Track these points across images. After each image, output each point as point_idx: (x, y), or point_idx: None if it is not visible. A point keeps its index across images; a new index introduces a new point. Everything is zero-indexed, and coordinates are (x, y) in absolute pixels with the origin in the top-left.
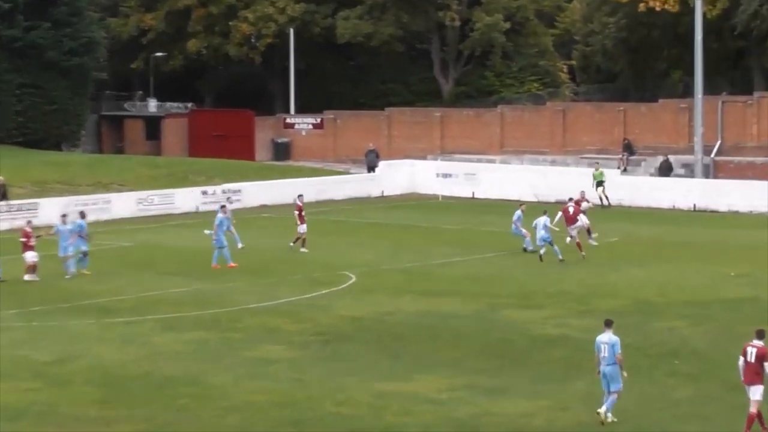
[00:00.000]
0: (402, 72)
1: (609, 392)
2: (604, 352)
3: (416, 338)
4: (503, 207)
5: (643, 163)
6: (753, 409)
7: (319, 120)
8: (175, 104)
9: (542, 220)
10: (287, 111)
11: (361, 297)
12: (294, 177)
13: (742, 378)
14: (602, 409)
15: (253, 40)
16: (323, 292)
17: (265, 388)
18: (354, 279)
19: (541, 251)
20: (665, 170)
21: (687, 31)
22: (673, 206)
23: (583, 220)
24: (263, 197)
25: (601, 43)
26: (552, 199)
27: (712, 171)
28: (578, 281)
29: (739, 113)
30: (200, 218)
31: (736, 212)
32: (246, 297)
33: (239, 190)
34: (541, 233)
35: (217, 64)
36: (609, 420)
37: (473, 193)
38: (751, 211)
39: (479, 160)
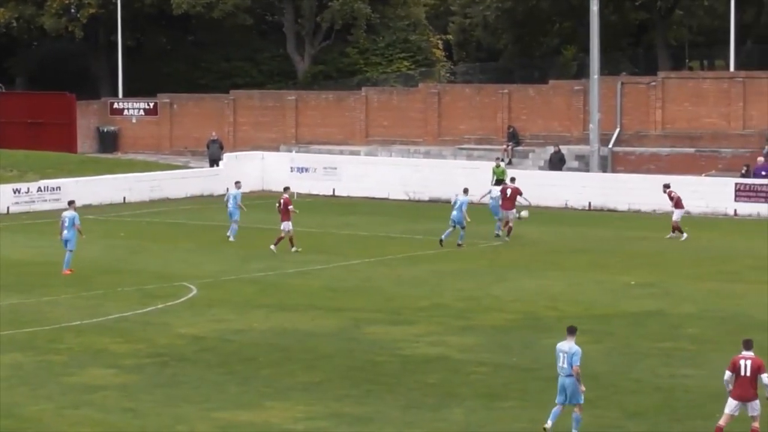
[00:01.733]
0: (250, 49)
1: (563, 405)
2: (563, 362)
3: (268, 360)
4: (368, 206)
5: (531, 155)
6: (755, 424)
7: (151, 105)
8: None
9: (462, 198)
10: (115, 94)
11: (204, 312)
12: (123, 172)
13: (731, 393)
14: (548, 425)
15: (73, 11)
16: (159, 306)
17: (91, 419)
18: (195, 291)
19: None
20: (557, 163)
21: (581, 2)
22: (566, 204)
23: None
24: (87, 196)
25: (482, 15)
26: (426, 197)
27: (611, 164)
28: (456, 293)
29: (641, 96)
30: (11, 221)
31: (638, 211)
32: (68, 313)
33: (58, 188)
34: (453, 213)
35: (30, 38)
36: None
37: (333, 190)
38: (654, 210)
39: (340, 152)
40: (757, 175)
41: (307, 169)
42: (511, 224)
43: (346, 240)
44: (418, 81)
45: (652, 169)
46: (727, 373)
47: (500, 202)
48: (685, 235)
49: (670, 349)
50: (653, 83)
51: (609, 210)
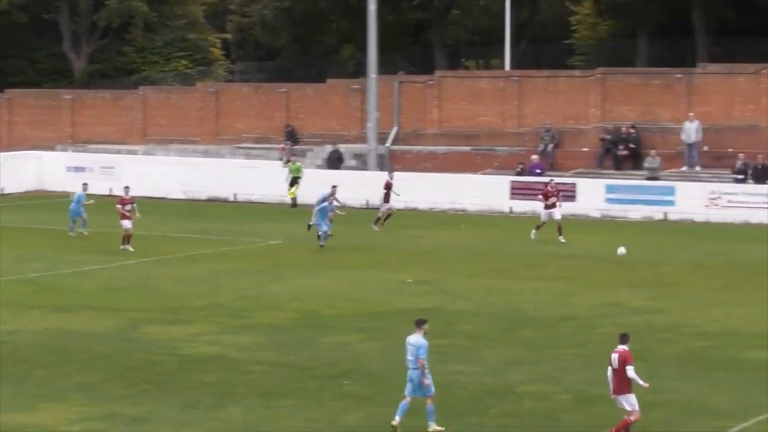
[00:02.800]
0: (25, 47)
1: (411, 398)
2: (409, 355)
3: (43, 361)
4: (146, 206)
5: (309, 153)
6: (630, 417)
7: None
8: None
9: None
10: None
11: None
12: None
13: (611, 390)
14: (395, 421)
15: None
16: None
17: None
18: None
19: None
20: (335, 161)
21: (359, 2)
22: (345, 203)
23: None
24: None
25: (260, 14)
26: (204, 197)
27: (388, 162)
28: (234, 292)
29: (418, 95)
30: None
31: (415, 209)
32: None
33: None
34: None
35: None
36: (434, 429)
37: (111, 190)
38: (431, 209)
39: (118, 151)
40: (531, 174)
41: (84, 169)
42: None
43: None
44: (196, 80)
45: (429, 167)
46: (609, 369)
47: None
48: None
49: (446, 346)
50: (430, 82)
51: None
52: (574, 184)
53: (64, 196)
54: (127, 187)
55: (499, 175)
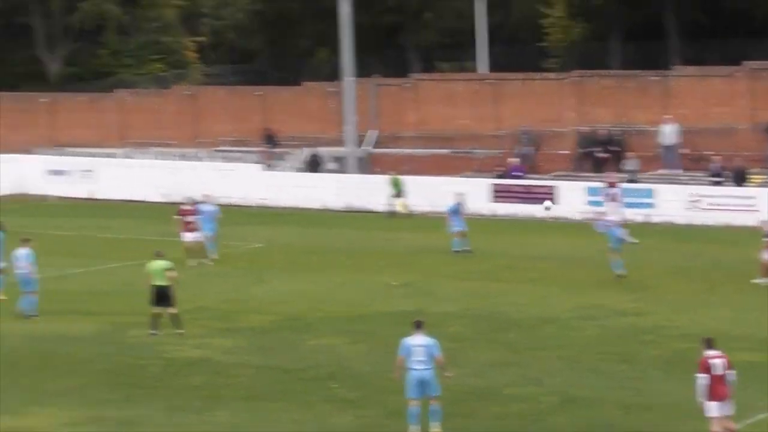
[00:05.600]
0: None
1: (416, 399)
2: (420, 356)
3: (27, 366)
4: (127, 209)
5: (287, 157)
6: (732, 424)
7: None
8: None
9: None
10: None
11: None
12: None
13: (711, 396)
14: (413, 427)
15: None
16: None
17: None
18: None
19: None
20: (313, 165)
21: (332, 4)
22: (324, 206)
23: None
24: None
25: (234, 17)
26: (182, 199)
27: (368, 165)
28: (217, 296)
29: (395, 98)
30: None
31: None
32: None
33: None
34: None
35: None
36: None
37: (91, 193)
38: (411, 212)
39: (97, 155)
40: (512, 176)
41: (63, 172)
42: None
43: (105, 243)
44: (171, 83)
45: (408, 170)
46: (702, 377)
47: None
48: None
49: None
50: (406, 85)
51: (367, 211)
52: (553, 186)
53: (42, 200)
54: (188, 198)
55: (480, 178)
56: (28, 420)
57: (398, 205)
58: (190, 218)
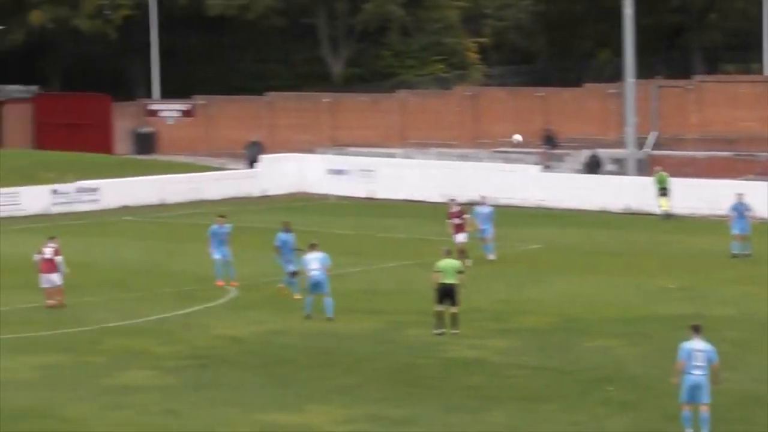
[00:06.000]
0: (284, 51)
1: (688, 404)
2: (698, 361)
3: (308, 362)
4: (406, 209)
5: (566, 158)
6: None
7: (188, 107)
8: (17, 87)
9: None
10: (149, 96)
11: (243, 314)
12: (161, 173)
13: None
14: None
15: (106, 12)
16: (198, 308)
17: (131, 420)
18: (233, 293)
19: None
20: (593, 166)
21: (615, 5)
22: (603, 208)
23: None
24: (125, 197)
25: (516, 18)
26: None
27: (647, 167)
28: (494, 296)
29: (677, 100)
30: (51, 221)
31: (674, 215)
32: (106, 314)
33: (96, 189)
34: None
35: (64, 40)
36: None
37: (371, 193)
38: (692, 214)
39: (377, 154)
40: None
41: (344, 172)
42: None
43: (383, 242)
44: (452, 84)
45: (689, 172)
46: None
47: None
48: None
49: None
50: (689, 86)
51: (646, 214)
52: None
53: (323, 199)
54: (452, 200)
55: (762, 181)
56: (305, 416)
57: (661, 203)
58: (457, 220)
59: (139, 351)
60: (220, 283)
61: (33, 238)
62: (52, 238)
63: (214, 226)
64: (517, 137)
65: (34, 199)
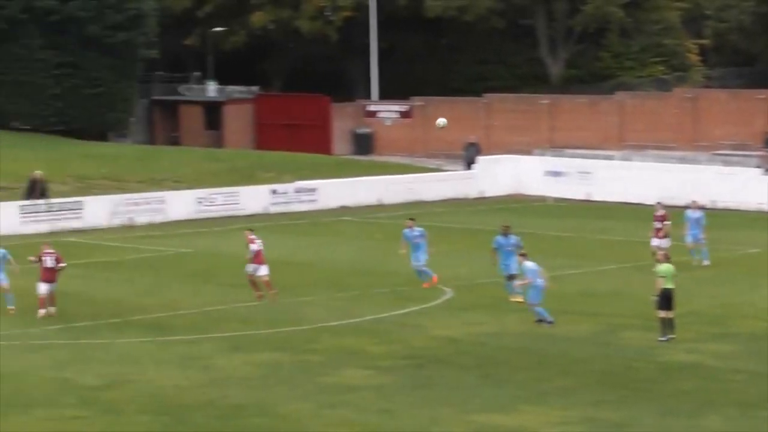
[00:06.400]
0: (502, 52)
1: None
2: None
3: (522, 364)
4: (624, 211)
5: None
6: None
7: (406, 108)
8: (238, 88)
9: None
10: (368, 97)
11: (458, 315)
12: (378, 174)
13: None
14: None
15: (327, 14)
16: (413, 309)
17: (347, 419)
18: (449, 294)
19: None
20: None
21: None
22: None
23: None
24: (342, 197)
25: (737, 19)
26: (681, 202)
27: None
28: (711, 300)
29: None
30: (269, 221)
31: None
32: (323, 314)
33: (314, 189)
34: None
35: (286, 41)
36: None
37: (588, 195)
38: None
39: (595, 156)
40: None
41: (561, 173)
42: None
43: (602, 245)
44: (672, 85)
45: None
46: None
47: None
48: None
49: None
50: None
51: None
52: None
53: (540, 201)
54: (659, 203)
55: None
56: (520, 417)
57: None
58: (659, 224)
59: (355, 350)
60: (426, 285)
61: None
62: (250, 231)
63: (406, 230)
64: (441, 121)
65: (253, 198)
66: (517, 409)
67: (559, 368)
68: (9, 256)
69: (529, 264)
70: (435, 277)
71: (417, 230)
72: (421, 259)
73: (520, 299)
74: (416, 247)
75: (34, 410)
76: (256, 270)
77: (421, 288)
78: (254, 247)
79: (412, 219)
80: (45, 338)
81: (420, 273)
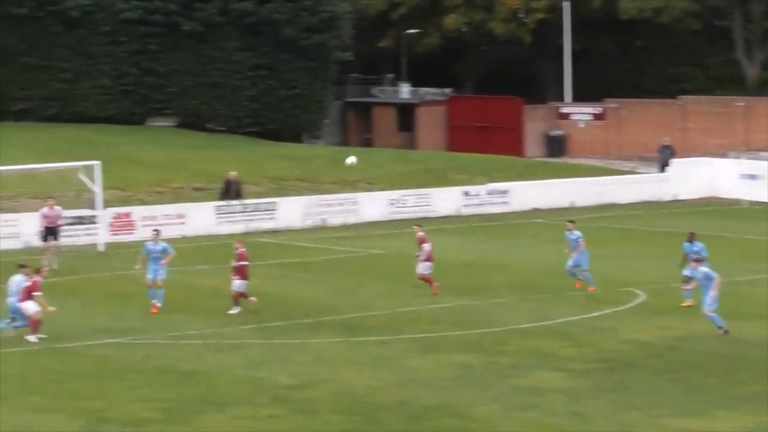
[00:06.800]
0: (697, 54)
1: None
2: None
3: (714, 368)
4: None
5: None
6: None
7: (600, 110)
8: (431, 90)
9: None
10: (561, 99)
11: (651, 319)
12: (570, 176)
13: None
14: None
15: (521, 16)
16: (606, 311)
17: (538, 421)
18: (642, 297)
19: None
20: None
21: None
22: None
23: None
24: (534, 199)
25: None
26: None
27: None
28: None
29: None
30: (461, 222)
31: None
32: (515, 316)
33: (506, 191)
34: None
35: (479, 43)
36: None
37: None
38: None
39: None
40: None
41: (756, 177)
42: None
43: None
44: None
45: None
46: None
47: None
48: None
49: None
50: None
51: None
52: None
53: (735, 204)
54: None
55: None
56: (712, 423)
57: None
58: None
59: (546, 353)
60: (591, 288)
61: (444, 239)
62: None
63: (566, 232)
64: (351, 159)
65: (445, 200)
66: (709, 414)
67: (752, 373)
68: (171, 250)
69: (702, 270)
70: (579, 282)
71: (576, 233)
72: (577, 261)
73: (688, 303)
74: (573, 249)
75: (228, 408)
76: (426, 269)
77: (613, 291)
78: (427, 246)
79: (572, 221)
80: (239, 338)
81: (573, 274)
